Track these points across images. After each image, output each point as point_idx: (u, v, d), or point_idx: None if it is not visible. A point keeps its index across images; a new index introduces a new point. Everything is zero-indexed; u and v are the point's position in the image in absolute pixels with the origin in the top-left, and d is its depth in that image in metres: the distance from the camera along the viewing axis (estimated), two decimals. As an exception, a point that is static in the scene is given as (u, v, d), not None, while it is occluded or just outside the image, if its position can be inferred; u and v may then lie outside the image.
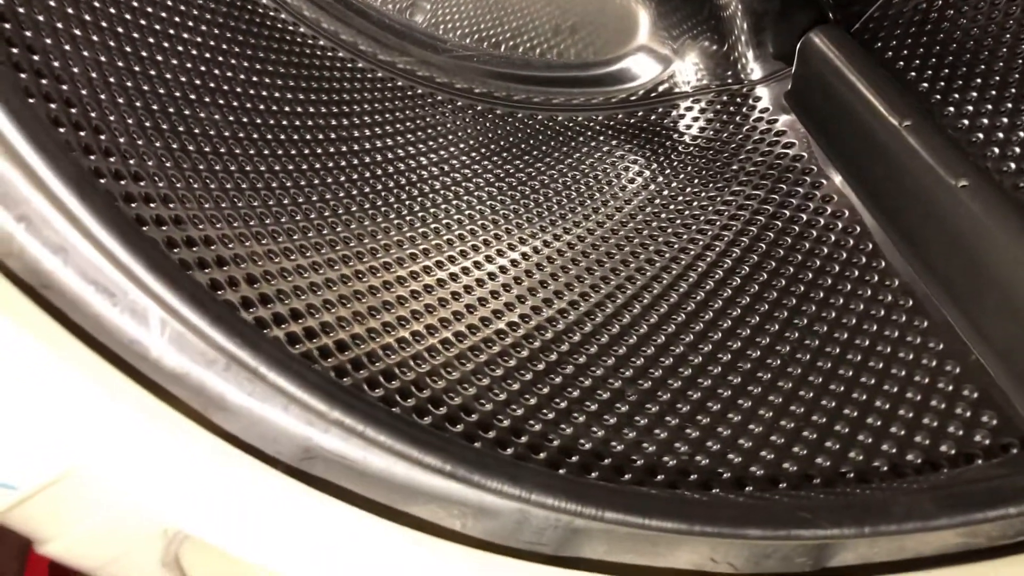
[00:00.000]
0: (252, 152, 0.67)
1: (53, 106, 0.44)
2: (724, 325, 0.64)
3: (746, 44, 0.86)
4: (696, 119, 0.89)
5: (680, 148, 0.85)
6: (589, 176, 0.82)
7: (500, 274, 0.72)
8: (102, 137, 0.46)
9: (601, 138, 0.87)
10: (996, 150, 0.69)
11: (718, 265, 0.74)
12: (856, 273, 0.67)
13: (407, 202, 0.75)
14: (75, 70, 0.55)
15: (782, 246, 0.74)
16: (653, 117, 0.89)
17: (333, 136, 0.75)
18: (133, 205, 0.42)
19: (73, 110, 0.45)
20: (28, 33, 0.53)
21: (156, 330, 0.37)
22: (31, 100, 0.43)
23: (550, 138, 0.87)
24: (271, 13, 0.82)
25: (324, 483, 0.38)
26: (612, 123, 0.89)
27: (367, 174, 0.72)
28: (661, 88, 0.91)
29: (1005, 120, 0.71)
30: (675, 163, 0.83)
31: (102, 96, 0.51)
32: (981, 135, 0.71)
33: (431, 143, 0.80)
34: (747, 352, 0.59)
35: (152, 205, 0.44)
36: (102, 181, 0.41)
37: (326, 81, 0.79)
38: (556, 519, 0.38)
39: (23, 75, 0.49)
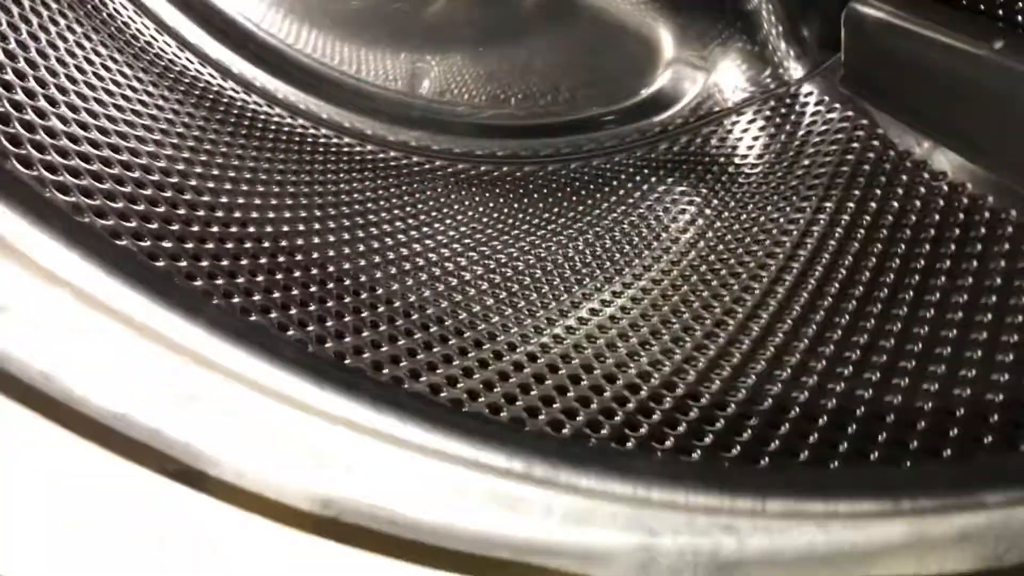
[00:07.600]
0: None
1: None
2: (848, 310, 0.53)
3: (778, 38, 0.77)
4: (743, 135, 0.79)
5: (735, 171, 0.75)
6: (641, 224, 0.72)
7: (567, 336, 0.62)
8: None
9: (651, 178, 0.78)
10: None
11: (807, 275, 0.62)
12: (983, 231, 0.55)
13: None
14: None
15: (879, 238, 0.61)
16: (699, 140, 0.80)
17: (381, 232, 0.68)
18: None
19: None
20: None
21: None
22: None
23: (593, 189, 0.78)
24: (277, 119, 0.79)
25: None
26: (655, 156, 0.80)
27: (392, 269, 0.65)
28: (701, 111, 0.82)
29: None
30: (733, 189, 0.73)
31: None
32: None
33: (443, 221, 0.72)
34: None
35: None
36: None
37: (357, 180, 0.73)
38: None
39: None
